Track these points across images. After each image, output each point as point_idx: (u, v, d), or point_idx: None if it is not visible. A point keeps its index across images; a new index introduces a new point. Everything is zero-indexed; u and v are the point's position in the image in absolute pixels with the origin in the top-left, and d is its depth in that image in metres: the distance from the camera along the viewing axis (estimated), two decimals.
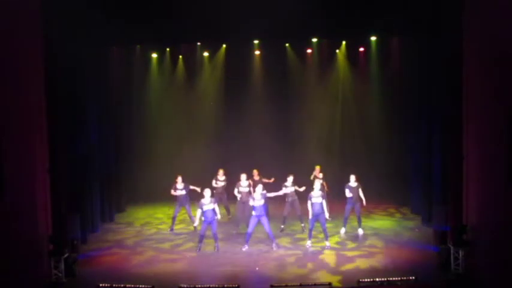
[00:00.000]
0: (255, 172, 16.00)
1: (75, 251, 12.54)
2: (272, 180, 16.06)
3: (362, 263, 12.34)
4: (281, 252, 13.26)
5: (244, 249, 13.45)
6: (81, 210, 13.82)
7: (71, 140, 13.56)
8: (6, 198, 10.03)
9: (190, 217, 15.51)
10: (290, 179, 14.96)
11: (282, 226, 15.09)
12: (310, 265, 12.39)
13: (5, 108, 10.30)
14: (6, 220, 10.17)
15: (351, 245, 13.79)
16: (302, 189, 14.91)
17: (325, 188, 15.52)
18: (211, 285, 10.98)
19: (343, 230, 14.67)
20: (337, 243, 13.94)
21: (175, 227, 15.54)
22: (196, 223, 14.02)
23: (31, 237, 11.26)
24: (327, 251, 13.28)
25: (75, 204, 13.47)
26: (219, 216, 13.60)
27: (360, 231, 14.59)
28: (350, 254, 13.05)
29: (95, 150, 15.59)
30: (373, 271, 11.72)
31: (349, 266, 12.19)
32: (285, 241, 14.16)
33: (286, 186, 14.90)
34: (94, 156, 15.46)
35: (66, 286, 11.56)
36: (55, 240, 11.73)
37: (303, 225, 15.00)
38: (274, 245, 13.53)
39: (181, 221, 16.12)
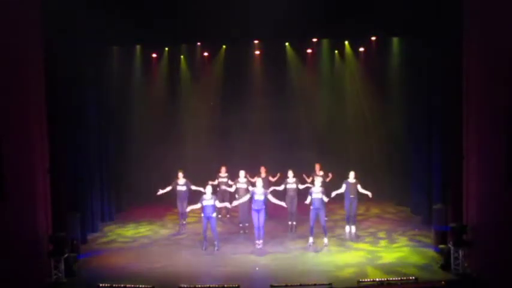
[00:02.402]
0: (263, 169, 15.99)
1: (75, 251, 12.56)
2: (277, 178, 15.98)
3: (362, 263, 12.33)
4: (281, 252, 13.25)
5: (258, 246, 13.41)
6: (81, 210, 13.84)
7: (71, 140, 13.56)
8: (6, 198, 10.03)
9: (181, 213, 15.34)
10: (290, 174, 15.04)
11: (294, 223, 15.04)
12: (310, 265, 12.38)
13: (5, 108, 10.30)
14: (6, 220, 10.17)
15: (351, 244, 13.78)
16: (302, 187, 14.98)
17: (329, 177, 15.57)
18: (211, 285, 10.97)
19: (347, 229, 14.64)
20: (337, 242, 13.93)
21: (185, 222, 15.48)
22: (188, 209, 14.05)
23: (31, 237, 11.27)
24: (327, 251, 13.28)
25: (75, 204, 13.48)
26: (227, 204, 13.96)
27: (353, 229, 14.59)
28: (350, 253, 13.05)
29: (95, 150, 15.59)
30: (373, 271, 11.71)
31: (349, 266, 12.18)
32: (285, 241, 14.14)
33: (288, 183, 14.98)
34: (94, 157, 15.47)
35: (66, 286, 11.55)
36: (55, 240, 11.73)
37: (294, 223, 15.02)
38: (260, 242, 13.46)
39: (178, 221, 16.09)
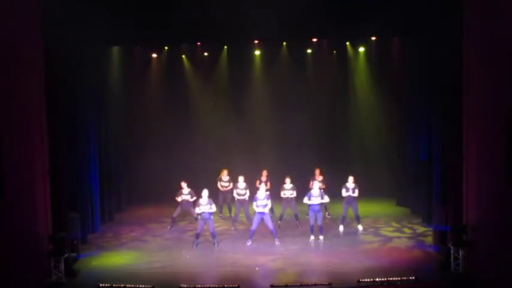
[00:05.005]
0: (264, 173, 15.89)
1: (75, 251, 12.56)
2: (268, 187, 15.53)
3: (362, 263, 12.33)
4: (281, 252, 13.26)
5: (248, 243, 13.65)
6: (81, 210, 13.84)
7: (71, 140, 13.56)
8: (6, 198, 10.03)
9: (173, 218, 15.51)
10: (288, 180, 15.13)
11: (279, 222, 15.30)
12: (310, 265, 12.39)
13: (5, 108, 10.30)
14: (6, 220, 10.17)
15: (351, 244, 13.79)
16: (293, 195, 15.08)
17: (323, 185, 15.54)
18: (211, 285, 10.98)
19: (341, 228, 14.80)
20: (337, 242, 13.95)
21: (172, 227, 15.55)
22: (196, 216, 14.42)
23: (31, 237, 11.27)
24: (327, 251, 13.30)
25: (75, 204, 13.49)
26: (215, 211, 13.98)
27: (360, 228, 14.81)
28: (350, 253, 13.05)
29: (95, 150, 15.59)
30: (372, 271, 11.70)
31: (349, 266, 12.18)
32: (284, 241, 14.13)
33: (285, 189, 15.01)
34: (94, 156, 15.47)
35: (66, 286, 11.55)
36: (55, 240, 11.73)
37: (297, 222, 15.25)
38: (276, 240, 13.69)
39: (181, 220, 16.07)
